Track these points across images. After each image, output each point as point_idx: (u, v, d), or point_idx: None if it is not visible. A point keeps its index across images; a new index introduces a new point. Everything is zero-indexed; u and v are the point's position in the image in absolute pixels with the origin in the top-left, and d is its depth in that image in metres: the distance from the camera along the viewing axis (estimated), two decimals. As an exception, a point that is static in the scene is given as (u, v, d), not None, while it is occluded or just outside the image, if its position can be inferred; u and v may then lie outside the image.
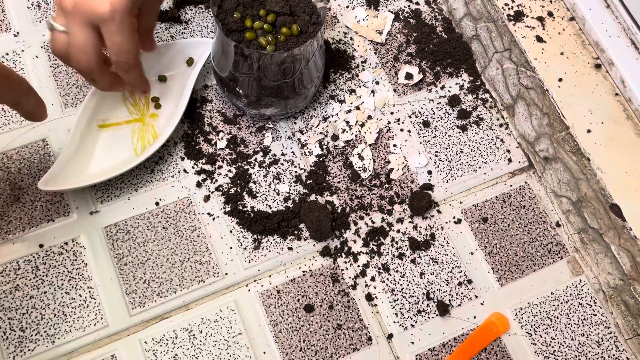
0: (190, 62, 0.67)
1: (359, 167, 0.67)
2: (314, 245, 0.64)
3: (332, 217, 0.64)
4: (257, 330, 0.60)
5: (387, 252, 0.64)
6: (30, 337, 0.58)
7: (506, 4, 0.69)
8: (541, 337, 0.62)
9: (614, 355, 0.62)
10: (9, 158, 0.64)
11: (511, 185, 0.69)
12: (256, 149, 0.67)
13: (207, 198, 0.64)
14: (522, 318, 0.63)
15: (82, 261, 0.61)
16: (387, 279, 0.63)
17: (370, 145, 0.69)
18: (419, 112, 0.71)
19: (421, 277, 0.63)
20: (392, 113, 0.71)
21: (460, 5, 0.74)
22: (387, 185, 0.67)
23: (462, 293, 0.63)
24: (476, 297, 0.63)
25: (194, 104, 0.68)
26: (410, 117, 0.71)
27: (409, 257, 0.64)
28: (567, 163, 0.65)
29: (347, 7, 0.76)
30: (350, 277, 0.63)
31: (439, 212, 0.67)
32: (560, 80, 0.66)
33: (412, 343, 0.61)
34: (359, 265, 0.63)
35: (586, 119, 0.64)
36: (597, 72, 0.66)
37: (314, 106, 0.70)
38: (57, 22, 0.54)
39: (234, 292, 0.61)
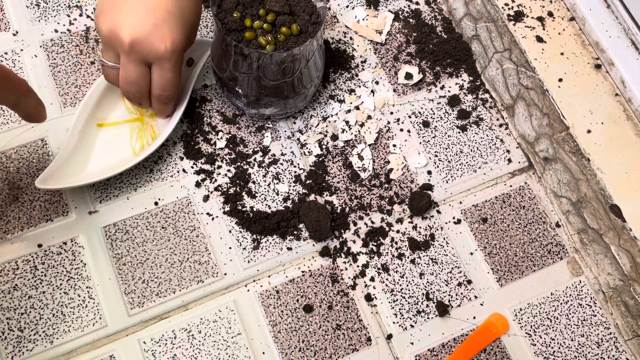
0: (190, 62, 0.67)
1: (358, 167, 0.67)
2: (313, 245, 0.64)
3: (331, 217, 0.64)
4: (256, 331, 0.60)
5: (387, 253, 0.64)
6: (29, 337, 0.58)
7: (506, 4, 0.69)
8: (541, 337, 0.62)
9: (613, 356, 0.62)
10: (7, 157, 0.64)
11: (511, 186, 0.68)
12: (255, 149, 0.67)
13: (206, 198, 0.64)
14: (522, 319, 0.63)
15: (81, 261, 0.61)
16: (387, 279, 0.63)
17: (369, 145, 0.68)
18: (419, 112, 0.71)
19: (421, 278, 0.63)
20: (391, 113, 0.70)
21: (460, 5, 0.74)
22: (386, 186, 0.67)
23: (461, 293, 0.63)
24: (476, 297, 0.63)
25: (193, 103, 0.68)
26: (410, 117, 0.70)
27: (408, 257, 0.64)
28: (567, 163, 0.65)
29: (347, 6, 0.76)
30: (349, 278, 0.63)
31: (438, 212, 0.66)
32: (560, 80, 0.66)
33: (412, 343, 0.61)
34: (358, 266, 0.63)
35: (586, 119, 0.64)
36: (597, 72, 0.66)
37: (313, 106, 0.70)
38: (106, 58, 0.59)
39: (233, 292, 0.61)
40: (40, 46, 0.69)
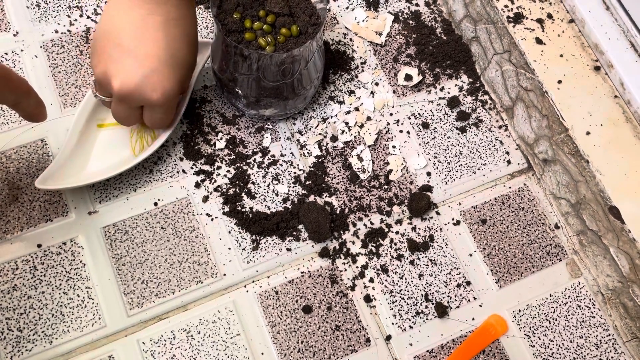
0: (189, 62, 0.67)
1: (358, 168, 0.67)
2: (312, 246, 0.64)
3: (330, 218, 0.64)
4: (255, 331, 0.60)
5: (386, 254, 0.64)
6: (28, 337, 0.58)
7: (506, 6, 0.69)
8: (540, 339, 0.62)
9: (612, 357, 0.62)
10: (7, 158, 0.64)
11: (510, 187, 0.68)
12: (255, 150, 0.67)
13: (205, 198, 0.64)
14: (521, 320, 0.63)
15: (80, 261, 0.61)
16: (386, 280, 0.63)
17: (369, 146, 0.68)
18: (418, 114, 0.71)
19: (420, 279, 0.63)
20: (391, 114, 0.71)
21: (459, 6, 0.74)
22: (386, 187, 0.67)
23: (460, 295, 0.63)
24: (475, 298, 0.63)
25: (193, 104, 0.68)
26: (409, 118, 0.71)
27: (407, 258, 0.64)
28: (566, 165, 0.65)
29: (347, 8, 0.76)
30: (348, 278, 0.63)
31: (437, 213, 0.66)
32: (559, 82, 0.66)
33: (411, 345, 0.61)
34: (357, 267, 0.63)
35: (585, 121, 0.64)
36: (596, 74, 0.66)
37: (313, 107, 0.70)
38: (99, 93, 0.58)
39: (232, 293, 0.61)
40: (41, 47, 0.69)
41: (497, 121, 0.71)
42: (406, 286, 0.63)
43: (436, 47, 0.74)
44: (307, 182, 0.66)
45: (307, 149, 0.68)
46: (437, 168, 0.68)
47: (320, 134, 0.69)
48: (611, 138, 0.63)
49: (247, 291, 0.62)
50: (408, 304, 0.62)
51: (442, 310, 0.62)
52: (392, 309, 0.62)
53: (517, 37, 0.68)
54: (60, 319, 0.59)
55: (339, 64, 0.72)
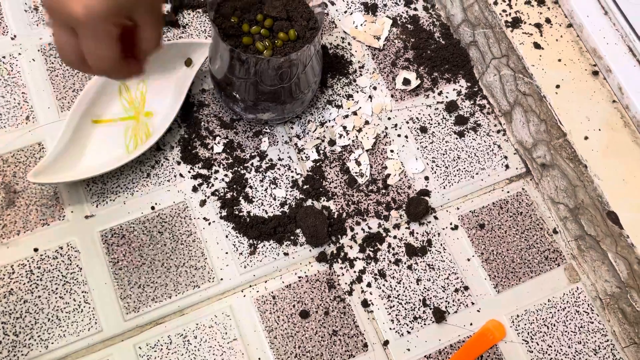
0: (188, 62, 0.67)
1: (355, 173, 0.67)
2: (310, 250, 0.64)
3: (328, 223, 0.64)
4: (252, 336, 0.60)
5: (384, 258, 0.64)
6: (24, 341, 0.57)
7: (504, 11, 0.69)
8: (538, 344, 0.62)
9: (610, 363, 0.62)
10: (4, 161, 0.64)
11: (508, 192, 0.68)
12: (253, 154, 0.67)
13: (203, 203, 0.64)
14: (519, 325, 0.63)
15: (77, 265, 0.61)
16: (384, 285, 0.63)
17: (367, 150, 0.68)
18: (417, 118, 0.71)
19: (417, 284, 0.63)
20: (389, 118, 0.70)
21: (458, 11, 0.74)
22: (384, 191, 0.67)
23: (458, 300, 0.63)
24: (473, 303, 0.63)
25: (190, 108, 0.68)
26: (407, 122, 0.70)
27: (405, 263, 0.64)
28: (565, 170, 0.65)
29: (345, 12, 0.76)
30: (346, 283, 0.63)
31: (435, 218, 0.66)
32: (557, 87, 0.66)
33: (408, 350, 0.61)
34: (355, 271, 0.63)
35: (583, 125, 0.64)
36: (594, 79, 0.66)
37: (311, 111, 0.70)
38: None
39: (229, 298, 0.61)
40: (38, 50, 0.69)
41: (495, 125, 0.71)
42: (404, 291, 0.63)
43: (434, 51, 0.74)
44: (305, 187, 0.66)
45: (304, 153, 0.68)
46: (435, 172, 0.68)
47: (318, 138, 0.68)
48: (609, 143, 0.63)
49: (244, 296, 0.61)
50: (406, 309, 0.62)
51: (439, 316, 0.61)
52: (390, 313, 0.62)
53: (515, 42, 0.68)
54: (56, 324, 0.58)
55: (337, 68, 0.72)
